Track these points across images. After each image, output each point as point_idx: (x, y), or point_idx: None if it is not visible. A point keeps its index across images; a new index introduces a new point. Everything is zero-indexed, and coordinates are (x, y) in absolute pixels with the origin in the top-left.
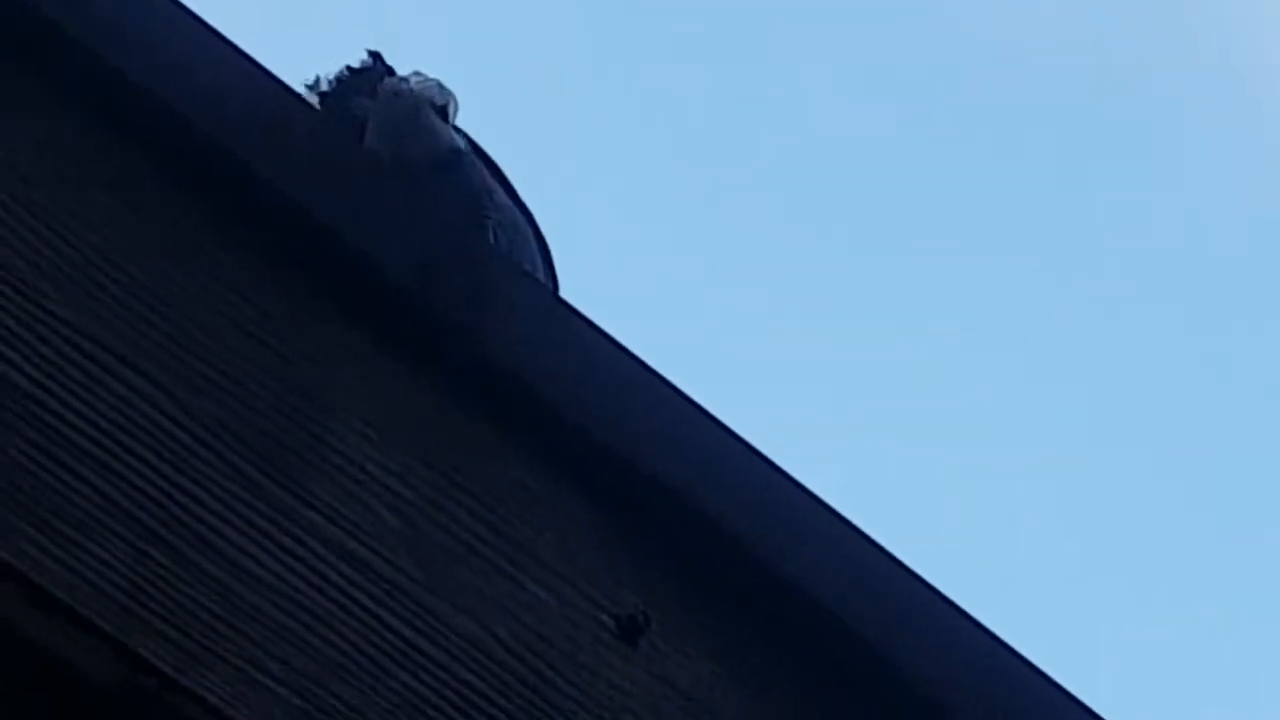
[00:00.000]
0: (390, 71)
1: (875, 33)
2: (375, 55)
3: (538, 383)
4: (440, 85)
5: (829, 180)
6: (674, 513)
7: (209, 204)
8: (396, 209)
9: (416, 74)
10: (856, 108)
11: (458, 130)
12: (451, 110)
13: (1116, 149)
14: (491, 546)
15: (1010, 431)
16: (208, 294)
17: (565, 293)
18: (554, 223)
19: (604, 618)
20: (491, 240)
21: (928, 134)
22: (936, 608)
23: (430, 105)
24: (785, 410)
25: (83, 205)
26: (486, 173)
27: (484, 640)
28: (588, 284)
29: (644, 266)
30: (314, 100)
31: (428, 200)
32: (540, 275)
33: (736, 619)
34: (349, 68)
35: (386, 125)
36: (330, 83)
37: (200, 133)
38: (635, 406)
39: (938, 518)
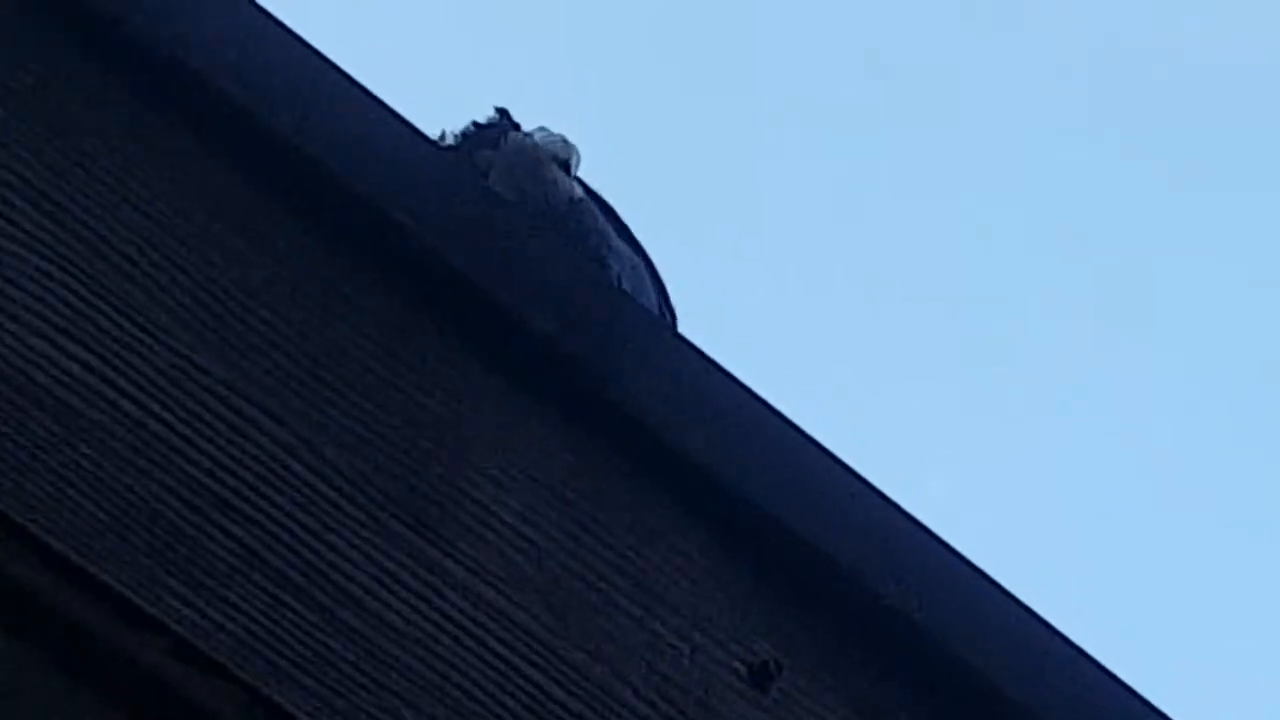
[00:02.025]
0: (516, 127)
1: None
2: (502, 111)
3: (670, 429)
4: (564, 140)
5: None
6: (806, 559)
7: (350, 254)
8: (532, 257)
9: (541, 129)
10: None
11: (579, 181)
12: (574, 163)
13: None
14: (624, 594)
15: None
16: (348, 344)
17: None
18: (672, 256)
19: (736, 665)
20: (616, 285)
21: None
22: (1077, 663)
23: (553, 159)
24: (918, 454)
25: (222, 257)
26: (603, 219)
27: (617, 688)
28: (703, 318)
29: (773, 301)
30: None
31: (558, 249)
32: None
33: (868, 666)
34: (475, 123)
35: (509, 178)
36: (456, 137)
37: (342, 183)
38: (768, 453)
39: (1092, 580)
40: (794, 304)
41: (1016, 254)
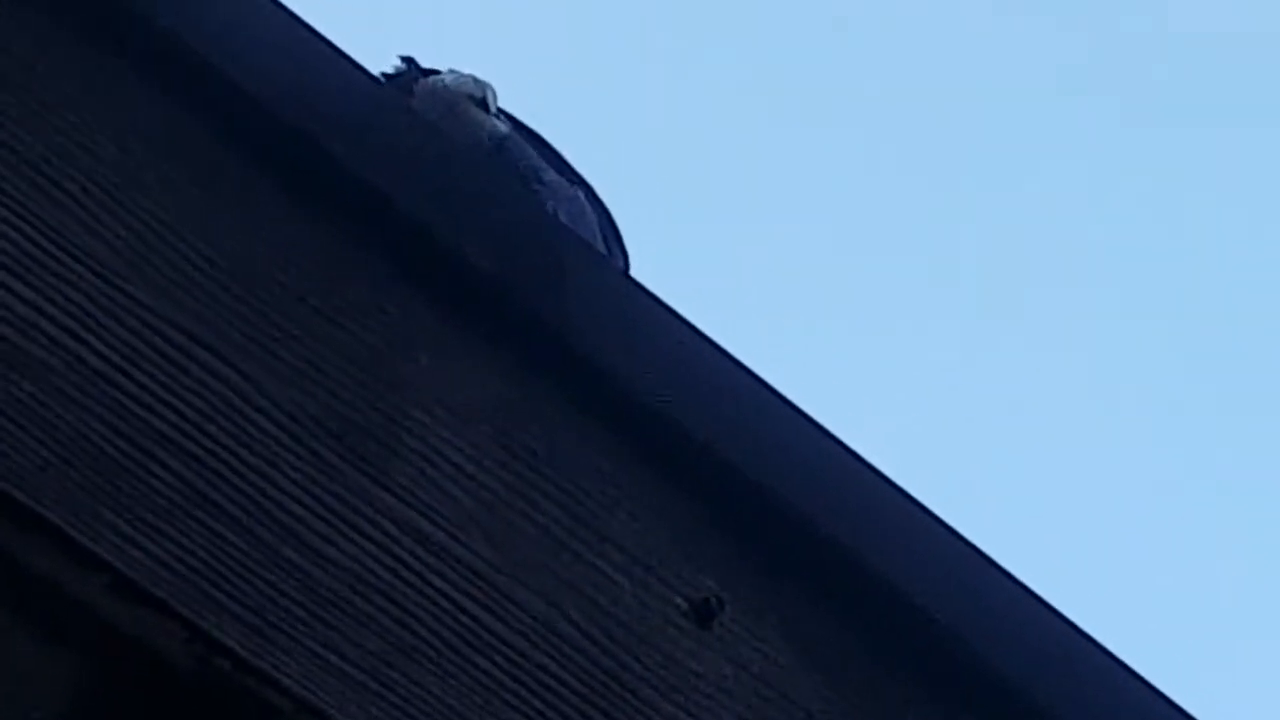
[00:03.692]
0: (425, 73)
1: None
2: (408, 60)
3: (614, 365)
4: (475, 79)
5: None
6: (748, 496)
7: (290, 191)
8: (472, 192)
9: (451, 71)
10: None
11: (502, 114)
12: (490, 99)
13: None
14: (566, 529)
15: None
16: (289, 280)
17: (639, 269)
18: (629, 202)
19: (678, 600)
20: (554, 218)
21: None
22: (1013, 592)
23: (469, 99)
24: (863, 389)
25: (163, 191)
26: (534, 153)
27: (558, 623)
28: (659, 262)
29: (719, 249)
30: None
31: (498, 183)
32: (602, 248)
33: (811, 603)
34: (384, 74)
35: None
36: None
37: (281, 118)
38: (711, 391)
39: (1033, 516)
40: (747, 251)
41: (999, 215)
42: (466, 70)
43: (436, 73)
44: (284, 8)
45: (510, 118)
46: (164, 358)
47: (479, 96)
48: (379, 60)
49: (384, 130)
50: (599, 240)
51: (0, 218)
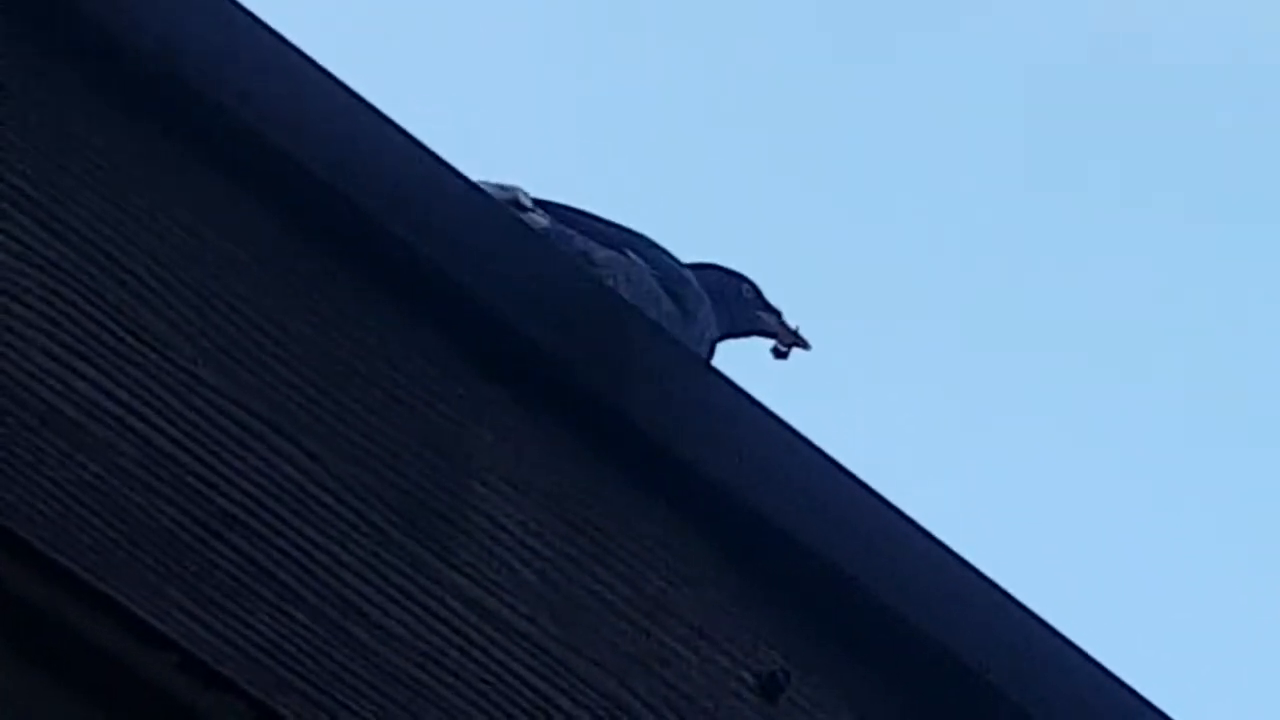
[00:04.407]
0: None
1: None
2: None
3: (676, 440)
4: (500, 186)
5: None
6: (813, 570)
7: (352, 267)
8: (533, 268)
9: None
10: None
11: (537, 206)
12: (522, 199)
13: None
14: (630, 603)
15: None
16: (351, 358)
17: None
18: None
19: (744, 674)
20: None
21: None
22: (1083, 669)
23: (505, 205)
24: (925, 462)
25: (230, 273)
26: (579, 236)
27: (623, 698)
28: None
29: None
30: None
31: (558, 258)
32: (667, 303)
33: (877, 677)
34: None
35: None
36: None
37: (344, 197)
38: (775, 465)
39: (1102, 588)
40: (804, 317)
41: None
42: (491, 180)
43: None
44: (356, 95)
45: (544, 205)
46: (229, 436)
47: (510, 200)
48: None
49: (450, 214)
50: (662, 299)
51: (66, 299)
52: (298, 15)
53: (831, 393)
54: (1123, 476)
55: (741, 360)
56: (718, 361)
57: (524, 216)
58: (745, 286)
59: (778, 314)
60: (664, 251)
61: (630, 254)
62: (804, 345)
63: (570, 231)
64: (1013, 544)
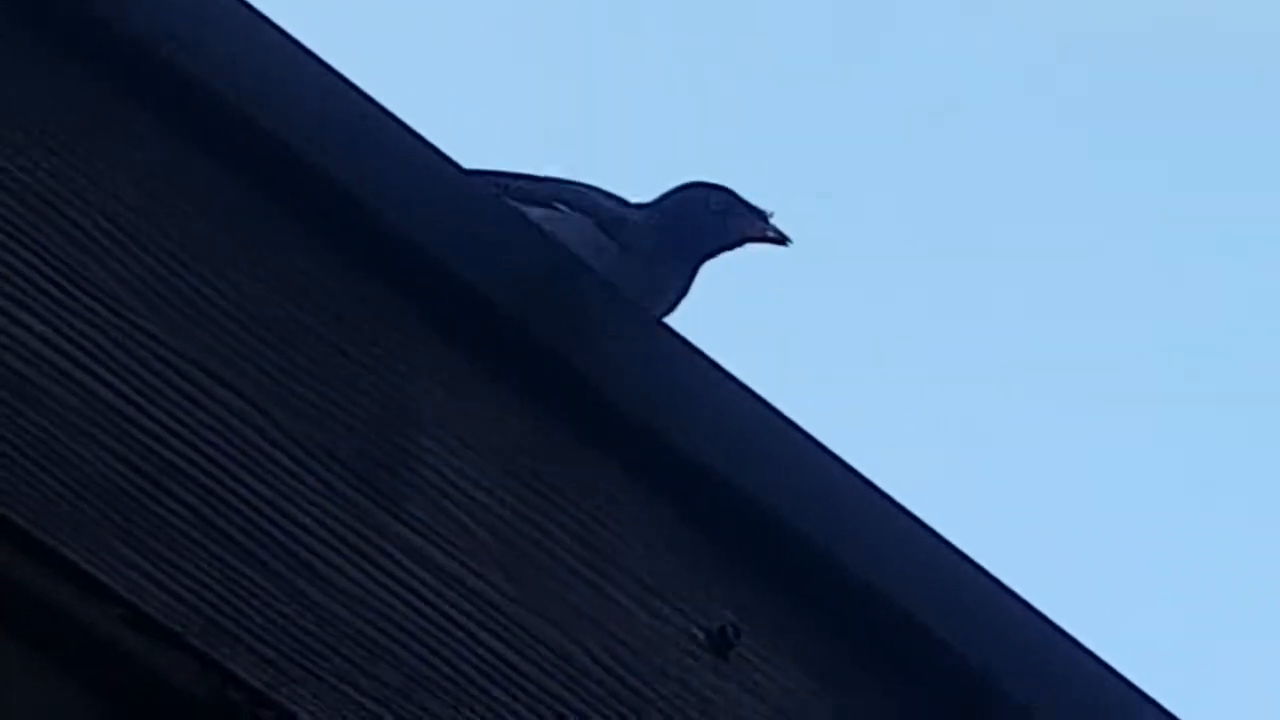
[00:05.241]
0: None
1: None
2: None
3: (628, 398)
4: None
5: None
6: (765, 526)
7: (303, 222)
8: (482, 224)
9: None
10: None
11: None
12: None
13: None
14: (581, 560)
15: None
16: (302, 312)
17: None
18: None
19: (694, 630)
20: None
21: None
22: (1035, 625)
23: None
24: (882, 420)
25: (179, 228)
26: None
27: (574, 654)
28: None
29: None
30: None
31: (507, 215)
32: (609, 246)
33: (828, 633)
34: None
35: None
36: None
37: (295, 153)
38: (727, 422)
39: (1058, 552)
40: (763, 285)
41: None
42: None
43: None
44: (308, 51)
45: (472, 171)
46: (178, 391)
47: None
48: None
49: (401, 166)
50: (601, 241)
51: (11, 251)
52: None
53: (794, 357)
54: (1089, 442)
55: (706, 321)
56: (705, 292)
57: None
58: (714, 198)
59: (762, 215)
60: (602, 193)
61: (562, 207)
62: (781, 241)
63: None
64: (973, 507)
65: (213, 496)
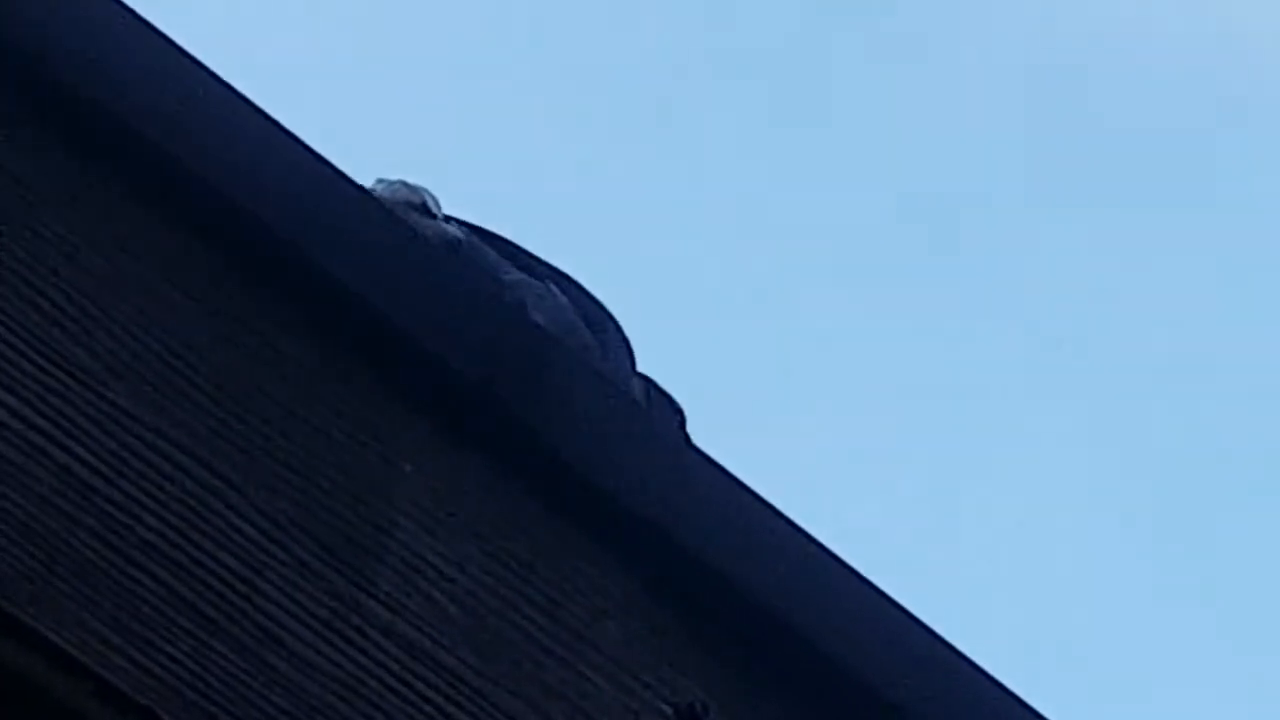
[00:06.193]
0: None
1: None
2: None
3: (599, 472)
4: (405, 183)
5: None
6: (733, 603)
7: (273, 299)
8: (454, 300)
9: (379, 181)
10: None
11: (451, 220)
12: (431, 204)
13: None
14: (550, 635)
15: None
16: (273, 389)
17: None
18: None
19: (663, 706)
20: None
21: None
22: (1013, 707)
23: (409, 207)
24: (851, 500)
25: (147, 303)
26: (493, 254)
27: None
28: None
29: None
30: None
31: (481, 289)
32: (586, 337)
33: (796, 710)
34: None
35: None
36: None
37: (264, 227)
38: (699, 499)
39: (1032, 630)
40: (729, 350)
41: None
42: (393, 176)
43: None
44: (270, 119)
45: (459, 222)
46: (149, 465)
47: (418, 203)
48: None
49: (365, 237)
50: (581, 330)
51: None
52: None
53: (764, 428)
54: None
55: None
56: None
57: (430, 222)
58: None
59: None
60: (586, 292)
61: (549, 284)
62: None
63: (484, 248)
64: (947, 585)
65: (183, 570)
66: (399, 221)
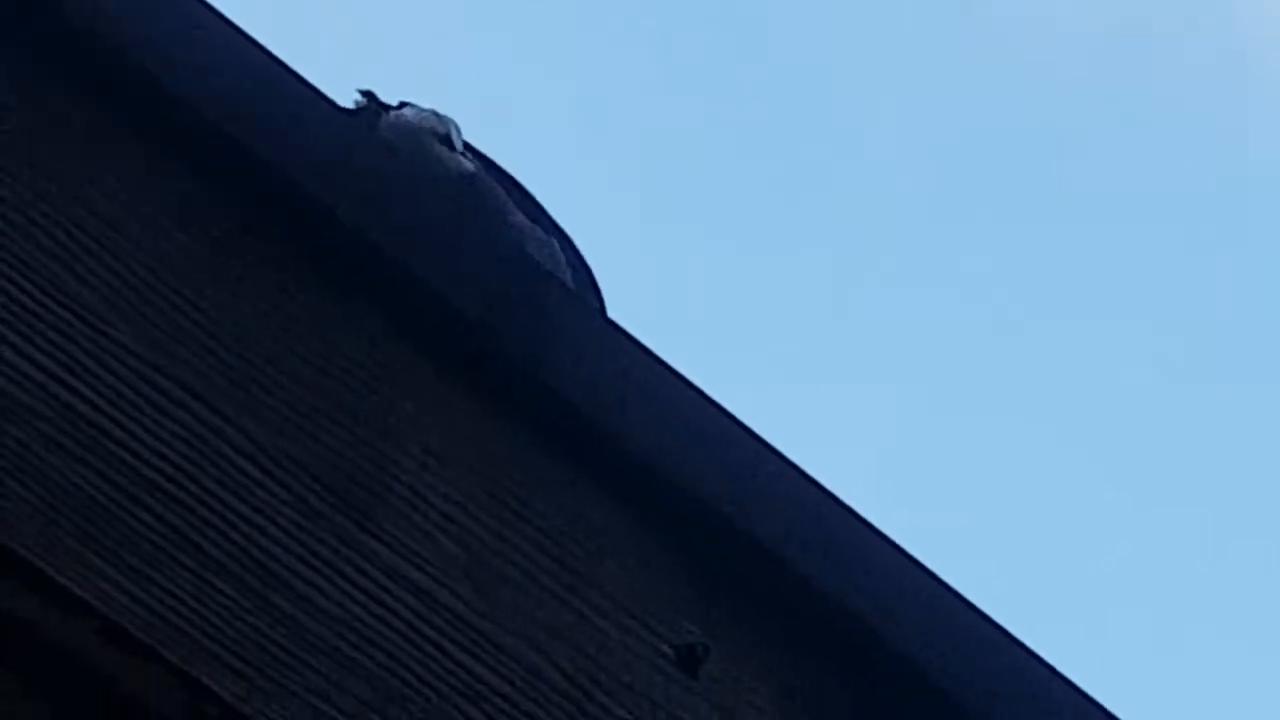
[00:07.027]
0: (385, 108)
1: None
2: (368, 94)
3: (598, 413)
4: (436, 114)
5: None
6: (735, 543)
7: (278, 238)
8: (461, 241)
9: (409, 105)
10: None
11: (470, 151)
12: (455, 136)
13: None
14: (552, 576)
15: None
16: (276, 328)
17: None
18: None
19: (664, 647)
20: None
21: None
22: (1004, 645)
23: (433, 135)
24: (854, 443)
25: (151, 239)
26: (503, 194)
27: (544, 669)
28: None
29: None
30: None
31: (488, 231)
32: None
33: (795, 650)
34: (343, 111)
35: None
36: None
37: (270, 166)
38: (697, 439)
39: (1012, 563)
40: (728, 292)
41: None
42: (426, 105)
43: (397, 107)
44: (273, 56)
45: (479, 155)
46: (152, 405)
47: (443, 133)
48: (345, 96)
49: (369, 177)
50: (574, 287)
51: None
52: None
53: (764, 375)
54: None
55: (670, 334)
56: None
57: (449, 154)
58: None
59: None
60: (583, 261)
61: (552, 240)
62: None
63: (495, 186)
64: (948, 529)
65: (186, 510)
66: (407, 162)
